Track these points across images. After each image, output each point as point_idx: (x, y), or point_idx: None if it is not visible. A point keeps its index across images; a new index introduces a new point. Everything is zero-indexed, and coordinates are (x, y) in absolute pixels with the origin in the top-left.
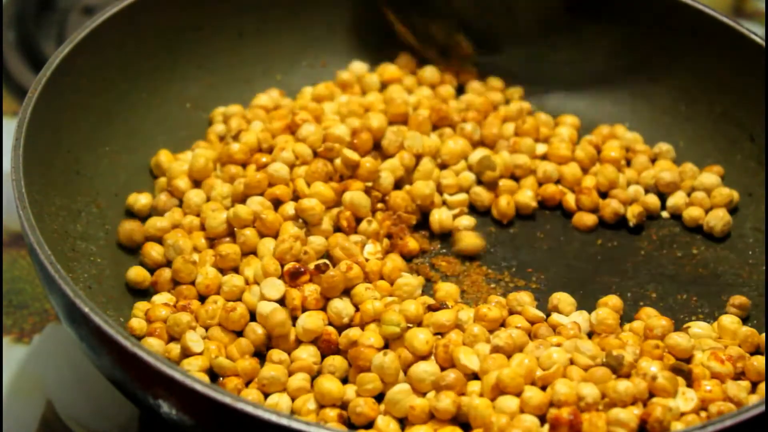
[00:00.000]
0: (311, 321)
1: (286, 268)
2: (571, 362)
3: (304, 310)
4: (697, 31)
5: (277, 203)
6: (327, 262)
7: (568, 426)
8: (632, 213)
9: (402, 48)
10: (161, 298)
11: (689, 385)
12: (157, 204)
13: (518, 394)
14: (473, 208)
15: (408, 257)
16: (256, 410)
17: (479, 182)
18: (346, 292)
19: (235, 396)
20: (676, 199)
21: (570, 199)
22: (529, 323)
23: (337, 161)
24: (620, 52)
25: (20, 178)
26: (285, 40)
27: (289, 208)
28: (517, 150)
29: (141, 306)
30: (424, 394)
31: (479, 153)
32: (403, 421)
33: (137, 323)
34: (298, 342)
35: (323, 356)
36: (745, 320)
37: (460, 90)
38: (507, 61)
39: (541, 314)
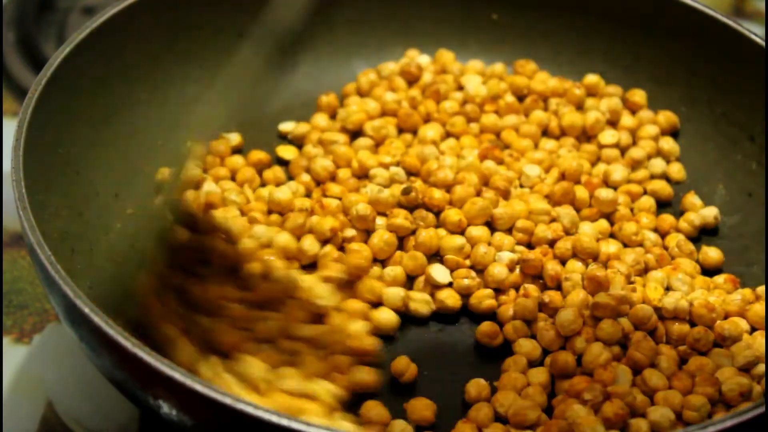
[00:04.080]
0: None
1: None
2: None
3: None
4: (697, 31)
5: None
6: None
7: None
8: None
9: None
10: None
11: None
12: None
13: None
14: None
15: None
16: (257, 410)
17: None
18: None
19: (235, 396)
20: None
21: None
22: None
23: None
24: (620, 52)
25: (20, 178)
26: None
27: None
28: None
29: None
30: None
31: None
32: None
33: None
34: None
35: None
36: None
37: None
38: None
39: None
